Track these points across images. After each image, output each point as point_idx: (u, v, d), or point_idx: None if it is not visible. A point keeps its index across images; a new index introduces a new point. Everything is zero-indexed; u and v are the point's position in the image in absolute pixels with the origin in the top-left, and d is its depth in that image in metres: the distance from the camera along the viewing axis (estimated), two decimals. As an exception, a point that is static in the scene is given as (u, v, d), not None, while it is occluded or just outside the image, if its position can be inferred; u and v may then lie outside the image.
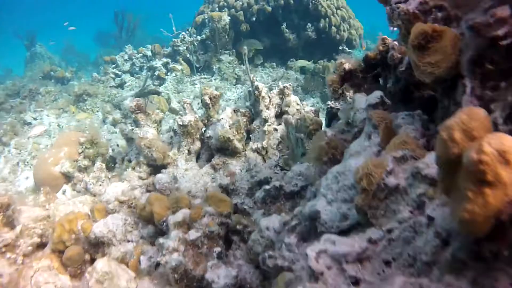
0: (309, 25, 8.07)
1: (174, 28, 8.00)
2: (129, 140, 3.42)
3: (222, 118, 2.97)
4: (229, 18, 7.89)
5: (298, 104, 3.09)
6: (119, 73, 7.82)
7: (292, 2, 7.88)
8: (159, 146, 3.04)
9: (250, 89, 3.19)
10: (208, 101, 3.10)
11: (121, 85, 7.57)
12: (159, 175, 2.86)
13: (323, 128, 2.72)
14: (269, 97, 3.13)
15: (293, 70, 8.33)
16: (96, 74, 7.78)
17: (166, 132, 3.66)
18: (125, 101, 5.86)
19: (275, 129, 3.00)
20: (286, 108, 3.06)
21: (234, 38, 8.04)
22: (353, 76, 1.93)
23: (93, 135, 3.73)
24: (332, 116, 2.31)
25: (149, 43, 20.84)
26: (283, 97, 3.21)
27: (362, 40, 7.92)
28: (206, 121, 3.24)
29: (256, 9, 7.90)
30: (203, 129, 3.21)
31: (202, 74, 7.78)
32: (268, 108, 3.06)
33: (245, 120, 3.11)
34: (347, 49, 8.22)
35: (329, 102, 2.25)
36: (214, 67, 7.63)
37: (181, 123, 3.04)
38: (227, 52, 7.91)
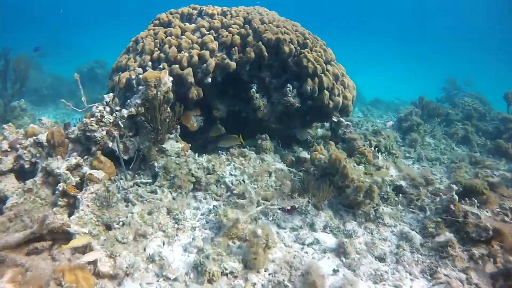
0: (289, 86, 5.56)
1: (84, 98, 4.83)
2: None
3: None
4: (172, 79, 5.00)
5: None
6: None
7: (266, 54, 5.31)
8: None
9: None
10: None
11: (-2, 202, 4.14)
12: None
13: None
14: None
15: (268, 152, 5.68)
16: None
17: None
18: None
19: None
20: None
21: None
22: None
23: None
24: None
25: (48, 86, 16.57)
26: None
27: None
28: None
29: (213, 65, 5.14)
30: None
31: (136, 175, 4.69)
32: None
33: None
34: (343, 120, 5.88)
35: None
36: (156, 164, 4.59)
37: None
38: (172, 136, 4.94)
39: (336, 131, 5.81)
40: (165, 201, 4.15)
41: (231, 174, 4.85)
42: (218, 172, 4.77)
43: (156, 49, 5.36)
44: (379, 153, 6.22)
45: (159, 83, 4.73)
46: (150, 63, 5.23)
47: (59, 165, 4.10)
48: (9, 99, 10.02)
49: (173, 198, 4.31)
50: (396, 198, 5.46)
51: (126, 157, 4.87)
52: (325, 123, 7.19)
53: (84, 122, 4.49)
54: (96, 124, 4.55)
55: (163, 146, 4.72)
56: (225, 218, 3.85)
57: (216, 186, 4.67)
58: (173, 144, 4.85)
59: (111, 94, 4.91)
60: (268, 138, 5.77)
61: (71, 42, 34.69)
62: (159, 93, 4.73)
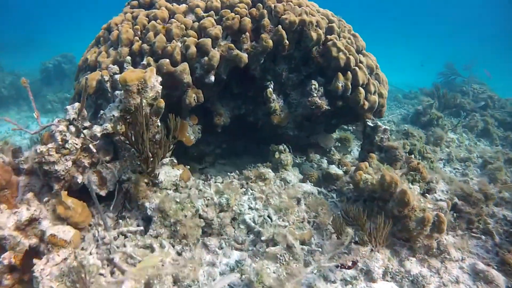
0: (315, 84, 4.29)
1: (36, 113, 3.41)
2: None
3: None
4: (161, 79, 3.62)
5: None
6: None
7: (286, 42, 3.99)
8: None
9: None
10: None
11: None
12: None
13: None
14: None
15: (289, 169, 4.44)
16: None
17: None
18: None
19: None
20: None
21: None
22: None
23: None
24: None
25: (8, 86, 14.59)
26: None
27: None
28: None
29: (218, 57, 3.78)
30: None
31: (120, 219, 3.34)
32: None
33: None
34: (381, 124, 4.67)
35: None
36: (148, 204, 3.24)
37: None
38: (167, 160, 3.59)
39: (371, 137, 4.61)
40: (167, 261, 2.83)
41: (251, 208, 3.57)
42: (234, 208, 3.48)
43: (137, 38, 3.95)
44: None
45: (143, 87, 3.35)
46: (129, 58, 3.82)
47: (3, 221, 2.70)
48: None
49: (178, 254, 3.00)
50: (453, 220, 4.35)
51: (103, 193, 3.51)
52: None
53: (39, 151, 3.07)
54: (56, 153, 3.14)
55: (157, 180, 3.37)
56: (260, 286, 2.59)
57: (234, 227, 3.38)
58: (169, 172, 3.50)
59: (76, 105, 3.50)
60: (287, 149, 4.50)
61: (33, 35, 31.87)
62: (144, 101, 3.36)
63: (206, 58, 3.73)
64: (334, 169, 4.44)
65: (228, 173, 4.28)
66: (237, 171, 4.32)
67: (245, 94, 4.72)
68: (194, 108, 4.28)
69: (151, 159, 3.21)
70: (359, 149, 6.92)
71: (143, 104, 3.35)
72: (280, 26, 3.88)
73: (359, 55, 4.48)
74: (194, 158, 5.08)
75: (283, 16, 3.92)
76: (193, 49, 3.70)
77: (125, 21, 4.13)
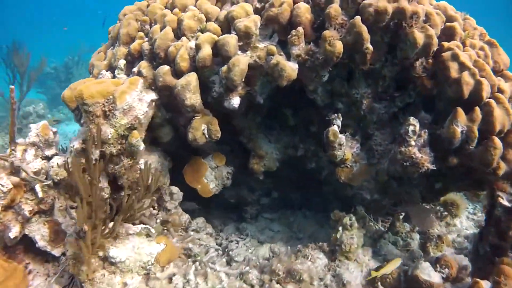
0: (415, 123, 2.49)
1: None
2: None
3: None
4: (154, 98, 2.29)
5: None
6: None
7: (368, 47, 2.31)
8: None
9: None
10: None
11: None
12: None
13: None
14: None
15: (352, 257, 2.70)
16: None
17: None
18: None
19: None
20: None
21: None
22: None
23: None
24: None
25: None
26: None
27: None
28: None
29: (244, 68, 2.29)
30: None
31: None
32: None
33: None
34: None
35: None
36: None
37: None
38: (139, 228, 2.22)
39: (503, 226, 2.58)
40: None
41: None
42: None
43: (141, 34, 2.70)
44: None
45: (111, 109, 2.05)
46: (122, 62, 2.59)
47: None
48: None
49: None
50: None
51: (57, 252, 2.33)
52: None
53: None
54: None
55: (110, 252, 2.02)
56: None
57: None
58: (140, 247, 2.11)
59: (41, 124, 2.42)
60: (355, 224, 2.76)
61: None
62: (112, 131, 2.06)
63: (224, 67, 2.27)
64: (426, 273, 2.55)
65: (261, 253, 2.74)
66: (270, 248, 2.75)
67: (306, 126, 3.14)
68: (225, 138, 2.86)
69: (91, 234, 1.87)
70: (469, 216, 4.72)
71: (111, 136, 2.06)
72: (358, 19, 2.22)
73: (498, 78, 2.54)
74: (229, 205, 3.71)
75: (366, 1, 2.25)
76: (206, 50, 2.28)
77: (136, 11, 2.93)
